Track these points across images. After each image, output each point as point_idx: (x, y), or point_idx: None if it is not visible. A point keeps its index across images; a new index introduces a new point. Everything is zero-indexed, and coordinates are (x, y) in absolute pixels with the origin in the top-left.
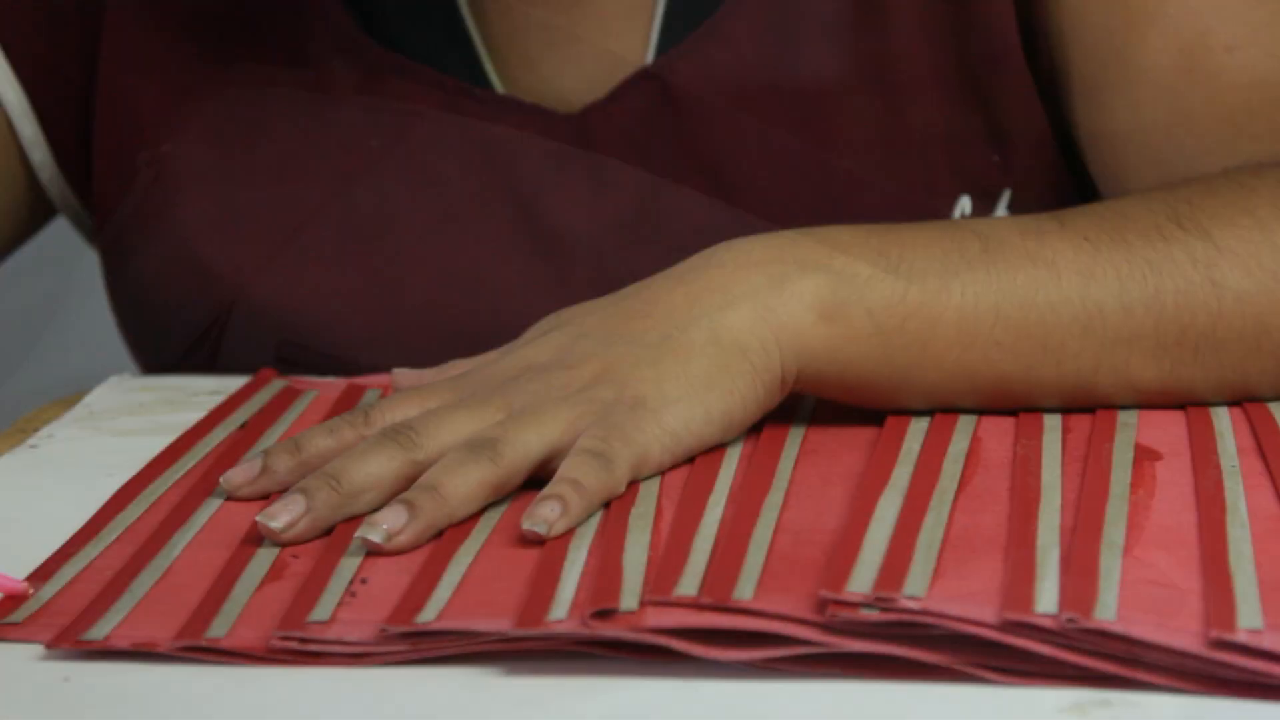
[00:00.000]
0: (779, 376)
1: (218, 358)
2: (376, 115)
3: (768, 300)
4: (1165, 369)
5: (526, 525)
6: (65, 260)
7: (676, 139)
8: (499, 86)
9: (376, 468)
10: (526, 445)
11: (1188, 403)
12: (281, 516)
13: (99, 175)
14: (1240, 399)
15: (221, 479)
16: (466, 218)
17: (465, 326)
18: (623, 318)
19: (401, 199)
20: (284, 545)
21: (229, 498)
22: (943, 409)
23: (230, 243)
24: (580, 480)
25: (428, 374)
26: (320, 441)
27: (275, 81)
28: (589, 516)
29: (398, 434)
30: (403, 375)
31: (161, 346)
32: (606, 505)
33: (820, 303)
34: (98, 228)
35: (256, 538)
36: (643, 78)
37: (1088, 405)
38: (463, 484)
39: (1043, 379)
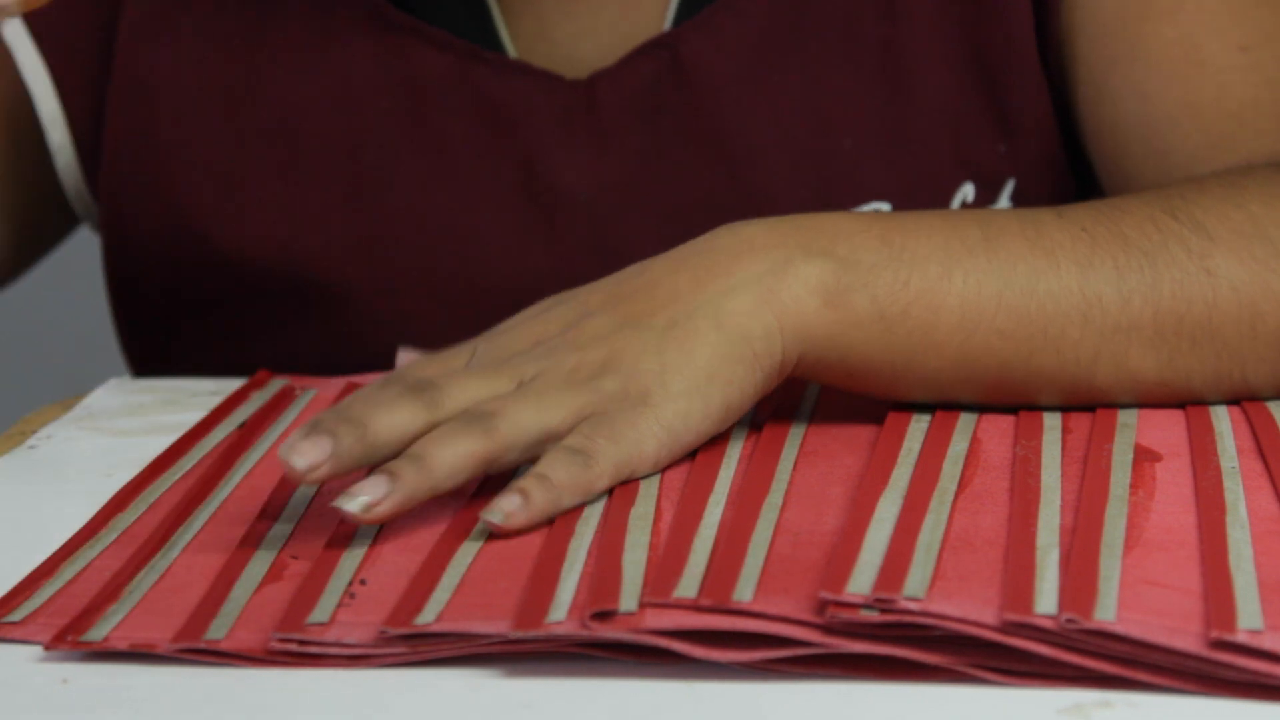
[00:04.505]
0: (779, 362)
1: (212, 325)
2: (387, 75)
3: (771, 285)
4: (1163, 359)
5: (483, 515)
6: (66, 263)
7: (683, 109)
8: (512, 51)
9: (401, 421)
10: (523, 423)
11: (1185, 396)
12: (310, 454)
13: (109, 151)
14: (1237, 392)
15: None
16: (466, 175)
17: (459, 282)
18: (626, 297)
19: (405, 158)
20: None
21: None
22: (941, 399)
23: (232, 204)
24: (549, 476)
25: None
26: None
27: (286, 40)
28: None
29: (422, 390)
30: (408, 357)
31: (155, 320)
32: (608, 505)
33: (824, 288)
34: (101, 203)
35: (255, 539)
36: (655, 46)
37: (1086, 398)
38: (451, 455)
39: (1043, 368)
